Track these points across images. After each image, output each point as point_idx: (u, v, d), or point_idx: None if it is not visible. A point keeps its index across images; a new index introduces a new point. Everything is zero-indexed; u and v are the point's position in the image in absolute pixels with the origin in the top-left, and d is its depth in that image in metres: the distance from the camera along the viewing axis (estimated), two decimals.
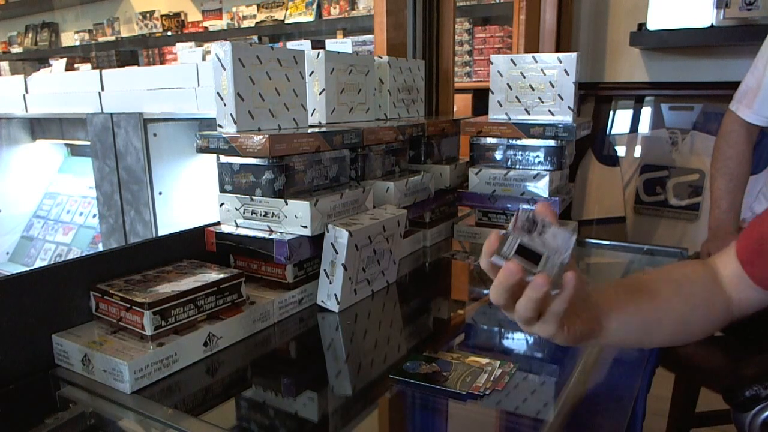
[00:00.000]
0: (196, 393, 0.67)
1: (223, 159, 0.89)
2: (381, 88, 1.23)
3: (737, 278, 0.63)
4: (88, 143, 1.72)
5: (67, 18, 4.63)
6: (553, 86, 1.18)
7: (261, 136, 0.80)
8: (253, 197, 0.88)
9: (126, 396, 0.64)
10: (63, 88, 1.81)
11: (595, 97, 2.15)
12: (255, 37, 3.61)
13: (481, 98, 2.33)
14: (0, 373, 0.66)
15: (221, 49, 0.84)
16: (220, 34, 3.72)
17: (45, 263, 1.94)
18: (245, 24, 3.67)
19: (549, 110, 1.19)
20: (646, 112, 2.10)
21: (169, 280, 0.75)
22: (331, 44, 1.57)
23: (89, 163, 1.75)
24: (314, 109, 1.06)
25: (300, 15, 3.44)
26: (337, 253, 0.86)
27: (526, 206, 1.09)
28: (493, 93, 1.24)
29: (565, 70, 1.16)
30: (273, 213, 0.87)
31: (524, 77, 1.20)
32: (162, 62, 4.04)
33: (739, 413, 0.66)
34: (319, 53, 1.03)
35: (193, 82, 1.50)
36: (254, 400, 0.68)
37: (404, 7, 1.44)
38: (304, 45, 1.25)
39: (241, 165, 0.88)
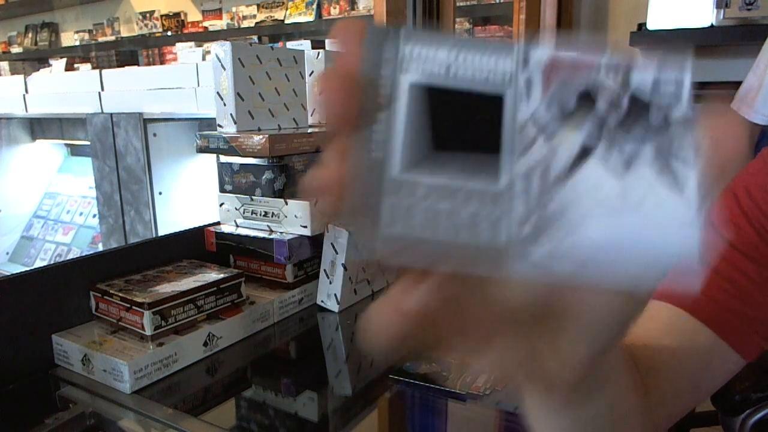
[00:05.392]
0: (196, 393, 0.67)
1: (223, 159, 0.90)
2: None
3: None
4: (88, 143, 1.72)
5: (67, 18, 4.63)
6: None
7: (261, 136, 0.80)
8: (253, 197, 0.88)
9: (126, 396, 0.64)
10: (63, 88, 1.81)
11: None
12: (255, 37, 3.61)
13: None
14: (0, 373, 0.66)
15: (221, 49, 0.84)
16: (220, 34, 3.71)
17: (45, 263, 1.94)
18: (245, 24, 3.67)
19: None
20: None
21: (168, 280, 0.75)
22: (331, 44, 1.57)
23: (89, 163, 1.75)
24: (314, 109, 1.06)
25: (300, 15, 3.44)
26: (337, 253, 0.86)
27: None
28: None
29: None
30: (273, 213, 0.87)
31: None
32: (162, 62, 4.04)
33: (729, 417, 0.66)
34: (319, 53, 1.03)
35: (193, 82, 1.50)
36: (254, 400, 0.68)
37: (404, 7, 1.44)
38: (304, 45, 1.25)
39: (241, 165, 0.88)
